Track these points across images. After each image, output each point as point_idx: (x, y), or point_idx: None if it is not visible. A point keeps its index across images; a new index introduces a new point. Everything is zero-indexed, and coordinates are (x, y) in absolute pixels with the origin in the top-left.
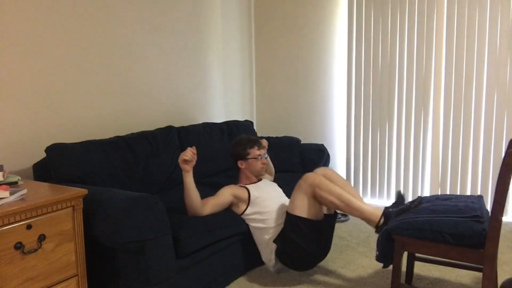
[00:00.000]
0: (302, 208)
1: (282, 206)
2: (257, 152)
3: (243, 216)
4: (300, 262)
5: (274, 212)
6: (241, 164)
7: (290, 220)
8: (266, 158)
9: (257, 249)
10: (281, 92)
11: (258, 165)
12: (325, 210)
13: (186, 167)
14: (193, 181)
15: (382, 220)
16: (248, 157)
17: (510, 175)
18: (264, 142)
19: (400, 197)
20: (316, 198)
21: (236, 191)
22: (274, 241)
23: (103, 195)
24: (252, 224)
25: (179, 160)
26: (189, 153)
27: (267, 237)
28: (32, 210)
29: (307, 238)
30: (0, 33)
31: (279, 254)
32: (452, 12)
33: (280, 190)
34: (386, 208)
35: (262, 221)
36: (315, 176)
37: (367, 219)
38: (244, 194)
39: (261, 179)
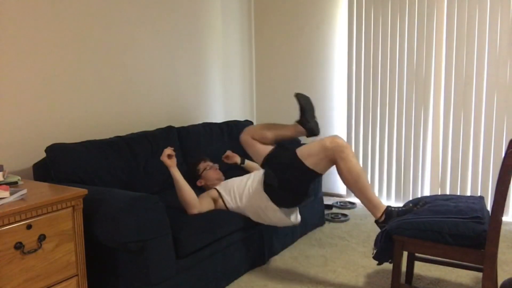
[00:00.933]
0: (315, 162)
1: (248, 178)
2: (204, 165)
3: (231, 209)
4: (290, 201)
5: (241, 185)
6: (200, 182)
7: (297, 164)
8: (217, 165)
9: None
10: (281, 92)
11: (213, 173)
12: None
13: (170, 162)
14: (181, 175)
15: (383, 216)
16: (200, 173)
17: (510, 176)
18: (228, 153)
19: (302, 100)
20: (332, 162)
21: (209, 194)
22: (264, 190)
23: (103, 195)
24: (238, 208)
25: (163, 158)
26: (169, 150)
27: (253, 202)
28: (32, 210)
29: (304, 184)
30: (0, 33)
31: (273, 195)
32: (452, 12)
33: (252, 175)
34: (388, 206)
35: (240, 200)
36: (345, 147)
37: (368, 208)
38: (215, 193)
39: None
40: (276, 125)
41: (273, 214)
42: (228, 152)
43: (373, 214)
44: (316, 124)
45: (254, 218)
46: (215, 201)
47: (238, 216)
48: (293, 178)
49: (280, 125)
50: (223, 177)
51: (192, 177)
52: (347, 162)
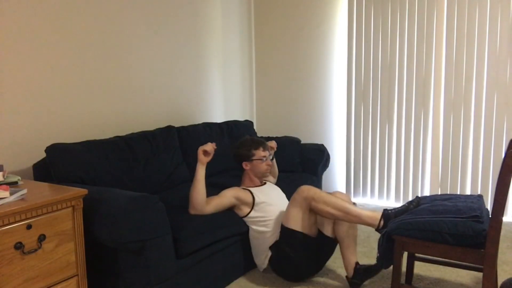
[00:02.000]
0: (296, 222)
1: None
2: (262, 154)
3: (245, 219)
4: (291, 273)
5: (276, 218)
6: (246, 166)
7: (283, 232)
8: (271, 160)
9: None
10: (281, 92)
11: (263, 166)
12: (329, 233)
13: (203, 158)
14: (204, 175)
15: (382, 222)
16: (253, 158)
17: (510, 176)
18: (272, 144)
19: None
20: (312, 211)
21: (240, 194)
22: (270, 248)
23: (103, 195)
24: (254, 227)
25: (199, 150)
26: (210, 146)
27: (265, 242)
28: (32, 210)
29: (299, 252)
30: (0, 33)
31: (272, 262)
32: (452, 12)
33: (283, 196)
34: (384, 210)
35: (264, 225)
36: (309, 189)
37: (367, 224)
38: (248, 198)
39: (265, 183)
40: (348, 210)
41: (260, 256)
42: (273, 143)
43: (373, 225)
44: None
45: (251, 232)
46: (241, 203)
47: (239, 218)
48: (290, 251)
49: (352, 211)
50: (268, 174)
51: (241, 155)
52: (320, 199)
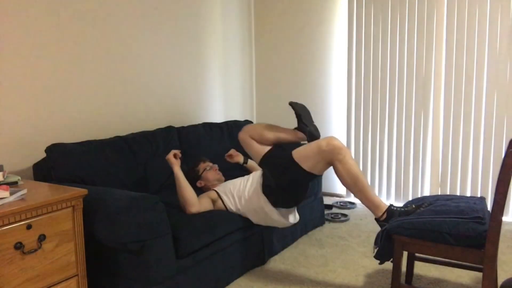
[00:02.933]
0: (312, 165)
1: (246, 178)
2: (204, 165)
3: (230, 210)
4: (289, 201)
5: (240, 185)
6: (200, 183)
7: (294, 167)
8: (216, 166)
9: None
10: (281, 92)
11: (212, 173)
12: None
13: (174, 161)
14: (183, 175)
15: (384, 215)
16: (200, 173)
17: (510, 176)
18: (231, 152)
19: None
20: (329, 164)
21: (208, 194)
22: (264, 192)
23: (103, 195)
24: (241, 210)
25: (169, 156)
26: (176, 151)
27: (252, 202)
28: (32, 210)
29: (303, 186)
30: (1, 33)
31: (271, 196)
32: (452, 12)
33: (251, 176)
34: (390, 205)
35: (239, 198)
36: (341, 149)
37: (372, 208)
38: (213, 193)
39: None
40: (277, 127)
41: (271, 215)
42: (232, 151)
43: (374, 213)
44: (316, 128)
45: (253, 219)
46: (214, 202)
47: (237, 216)
48: (290, 179)
49: (280, 127)
50: (223, 178)
51: (192, 178)
52: (345, 164)
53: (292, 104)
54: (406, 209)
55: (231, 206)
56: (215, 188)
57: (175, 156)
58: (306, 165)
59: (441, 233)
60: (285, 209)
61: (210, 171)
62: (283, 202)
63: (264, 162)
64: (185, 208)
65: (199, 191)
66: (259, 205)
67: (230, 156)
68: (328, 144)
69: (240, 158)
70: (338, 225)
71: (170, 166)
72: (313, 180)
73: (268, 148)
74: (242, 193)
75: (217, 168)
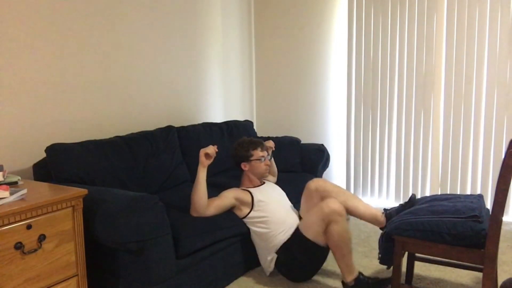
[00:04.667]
0: (316, 233)
1: (286, 210)
2: (261, 154)
3: (245, 220)
4: (297, 276)
5: (277, 217)
6: (245, 166)
7: (299, 238)
8: (270, 159)
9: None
10: (281, 92)
11: (262, 166)
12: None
13: (204, 161)
14: (205, 178)
15: (353, 280)
16: (252, 158)
17: (510, 176)
18: (270, 143)
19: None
20: (327, 226)
21: (239, 195)
22: (277, 252)
23: (103, 195)
24: (254, 228)
25: (201, 152)
26: (212, 149)
27: (269, 244)
28: (32, 210)
29: (311, 259)
30: (1, 33)
31: (278, 264)
32: (452, 12)
33: (283, 194)
34: (385, 209)
35: (265, 226)
36: (340, 209)
37: (345, 272)
38: (247, 198)
39: (264, 182)
40: (356, 204)
41: (265, 259)
42: (271, 143)
43: (345, 276)
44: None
45: (252, 233)
46: (241, 204)
47: (238, 218)
48: (298, 254)
49: (360, 205)
50: (267, 174)
51: (239, 156)
52: (341, 227)
53: (412, 199)
54: (397, 207)
55: (252, 220)
56: (251, 191)
57: (206, 155)
58: (311, 235)
59: (440, 233)
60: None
61: (262, 163)
62: (284, 272)
63: (303, 237)
64: (190, 208)
65: (232, 175)
66: (268, 252)
67: (208, 155)
68: (326, 205)
69: (270, 150)
70: None
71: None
72: (318, 255)
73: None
74: (268, 226)
75: (269, 163)
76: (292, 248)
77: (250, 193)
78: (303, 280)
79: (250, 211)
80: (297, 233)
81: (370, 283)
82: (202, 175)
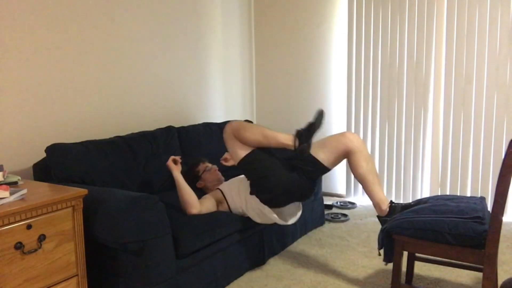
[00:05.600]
0: (239, 152)
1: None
2: (204, 166)
3: (234, 211)
4: (273, 193)
5: (243, 189)
6: (200, 184)
7: (242, 167)
8: (216, 167)
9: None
10: (281, 92)
11: (212, 174)
12: (320, 158)
13: (173, 166)
14: (183, 179)
15: (296, 143)
16: (200, 174)
17: (510, 176)
18: (226, 156)
19: (319, 117)
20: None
21: (213, 195)
22: (251, 193)
23: (103, 195)
24: (242, 210)
25: (169, 162)
26: (176, 157)
27: (253, 206)
28: (32, 210)
29: (258, 169)
30: (1, 33)
31: (259, 197)
32: (452, 12)
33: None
34: (391, 201)
35: (242, 196)
36: (231, 122)
37: (283, 145)
38: (219, 194)
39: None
40: (266, 133)
41: (268, 214)
42: (227, 155)
43: (289, 146)
44: (309, 147)
45: (256, 219)
46: (219, 202)
47: (238, 217)
48: (276, 180)
49: (269, 134)
50: (223, 178)
51: (192, 178)
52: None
53: (320, 113)
54: (406, 204)
55: (235, 206)
56: (219, 187)
57: (175, 162)
58: (241, 155)
59: (441, 233)
60: (280, 209)
61: (210, 171)
62: (271, 201)
63: (241, 164)
64: (185, 210)
65: (199, 192)
66: (256, 205)
67: (225, 159)
68: (224, 131)
69: (235, 162)
70: (338, 225)
71: (169, 171)
72: (314, 177)
73: (248, 150)
74: (242, 193)
75: (217, 168)
76: (248, 177)
77: (219, 189)
78: (287, 198)
79: (227, 202)
80: (240, 167)
81: (403, 205)
82: (179, 176)
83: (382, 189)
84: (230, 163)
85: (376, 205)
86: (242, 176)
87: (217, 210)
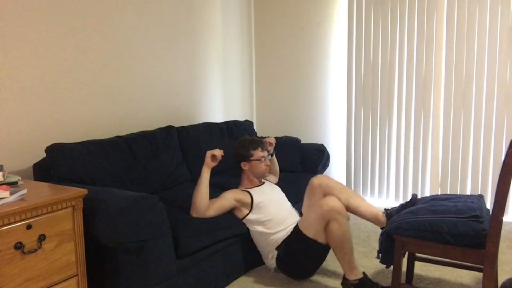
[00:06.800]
0: (316, 231)
1: (285, 211)
2: (261, 154)
3: (244, 220)
4: (298, 274)
5: (277, 218)
6: (244, 166)
7: (299, 236)
8: (270, 158)
9: (256, 249)
10: (281, 92)
11: (262, 167)
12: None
13: (210, 163)
14: (208, 179)
15: (356, 277)
16: (252, 158)
17: (510, 176)
18: (271, 139)
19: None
20: (326, 224)
21: (239, 196)
22: (277, 249)
23: (103, 195)
24: (253, 229)
25: (207, 153)
26: (219, 152)
27: (269, 242)
28: (32, 210)
29: (311, 257)
30: (1, 33)
31: (279, 262)
32: (452, 12)
33: (283, 194)
34: (385, 209)
35: (264, 226)
36: (340, 208)
37: (347, 270)
38: (247, 199)
39: (263, 182)
40: (357, 200)
41: (267, 256)
42: (272, 139)
43: (347, 274)
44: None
45: (252, 233)
46: (241, 206)
47: (238, 218)
48: (298, 251)
49: (360, 202)
50: (267, 175)
51: (240, 155)
52: (341, 226)
53: (414, 198)
54: (401, 204)
55: (251, 222)
56: (251, 192)
57: (213, 157)
58: (310, 233)
59: (441, 233)
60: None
61: (262, 163)
62: (284, 269)
63: (303, 235)
64: (191, 208)
65: (231, 174)
66: (270, 251)
67: (270, 144)
68: (326, 203)
69: (271, 147)
70: None
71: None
72: (318, 252)
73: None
74: (267, 226)
75: (269, 164)
76: (292, 245)
77: (250, 194)
78: (303, 278)
79: (249, 212)
80: (296, 230)
81: (399, 207)
82: (206, 175)
83: (368, 203)
84: (216, 163)
85: (374, 220)
86: (282, 195)
87: (224, 213)
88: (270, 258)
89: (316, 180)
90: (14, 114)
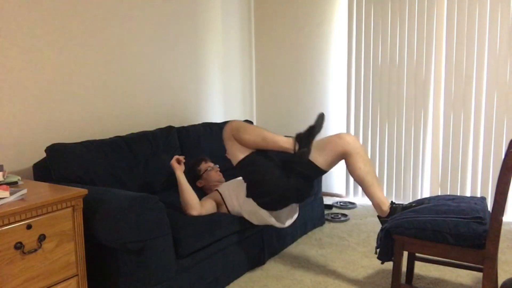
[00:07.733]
0: (237, 153)
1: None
2: (206, 165)
3: (232, 212)
4: (270, 197)
5: (241, 191)
6: (200, 183)
7: (239, 170)
8: (218, 167)
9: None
10: (281, 92)
11: (213, 174)
12: (318, 163)
13: (179, 166)
14: (186, 179)
15: (296, 147)
16: (201, 173)
17: (510, 176)
18: (179, 157)
19: (320, 119)
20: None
21: (212, 197)
22: (247, 196)
23: (103, 195)
24: (242, 213)
25: (172, 162)
26: (180, 157)
27: (243, 203)
28: (32, 210)
29: (256, 172)
30: (1, 33)
31: (256, 201)
32: (452, 12)
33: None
34: (392, 202)
35: (238, 199)
36: (231, 122)
37: (283, 149)
38: (217, 196)
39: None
40: (265, 136)
41: (265, 217)
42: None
43: (289, 150)
44: (308, 152)
45: (253, 222)
46: (219, 204)
47: (237, 217)
48: (270, 182)
49: (269, 137)
50: (223, 179)
51: (193, 177)
52: (247, 131)
53: (321, 117)
54: (407, 204)
55: (233, 208)
56: (218, 189)
57: (178, 161)
58: (239, 157)
59: (442, 233)
60: (277, 212)
61: (211, 171)
62: (269, 204)
63: (238, 165)
64: (186, 211)
65: (199, 191)
66: (253, 208)
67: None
68: (224, 130)
69: (233, 163)
70: (338, 225)
71: (173, 171)
72: (310, 180)
73: (247, 151)
74: (240, 196)
75: (219, 169)
76: (245, 179)
77: (218, 192)
78: (283, 202)
79: (226, 205)
80: (237, 168)
81: (404, 206)
82: (183, 177)
83: (381, 190)
84: (183, 165)
85: (376, 206)
86: (240, 178)
87: (217, 212)
88: (258, 209)
89: (346, 140)
90: (14, 114)
